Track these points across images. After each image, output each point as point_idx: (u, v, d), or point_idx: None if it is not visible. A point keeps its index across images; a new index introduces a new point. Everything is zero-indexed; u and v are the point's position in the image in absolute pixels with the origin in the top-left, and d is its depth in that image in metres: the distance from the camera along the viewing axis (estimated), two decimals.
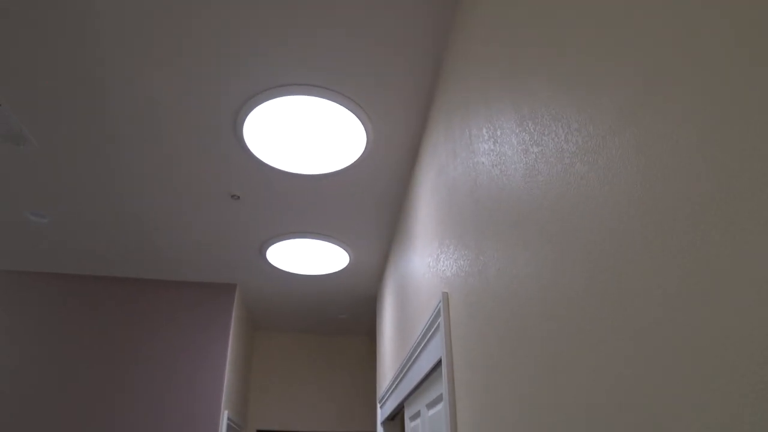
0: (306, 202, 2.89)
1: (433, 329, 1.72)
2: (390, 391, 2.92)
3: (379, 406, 3.54)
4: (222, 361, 3.74)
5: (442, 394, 1.71)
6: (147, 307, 3.95)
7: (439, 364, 1.68)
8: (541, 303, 0.88)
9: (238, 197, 2.85)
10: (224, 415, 3.65)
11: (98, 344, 3.89)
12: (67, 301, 4.04)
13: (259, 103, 2.08)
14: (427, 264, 1.99)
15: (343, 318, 4.68)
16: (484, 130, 1.28)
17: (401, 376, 2.46)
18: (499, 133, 1.17)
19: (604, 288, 0.68)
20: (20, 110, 2.25)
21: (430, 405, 1.92)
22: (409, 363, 2.20)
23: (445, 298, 1.59)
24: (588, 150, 0.74)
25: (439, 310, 1.60)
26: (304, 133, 2.25)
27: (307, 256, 3.48)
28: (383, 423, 3.36)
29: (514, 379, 0.99)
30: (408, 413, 2.43)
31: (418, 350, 1.98)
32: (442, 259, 1.72)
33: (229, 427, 3.86)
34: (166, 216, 3.10)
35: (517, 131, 1.04)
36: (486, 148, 1.26)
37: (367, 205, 2.91)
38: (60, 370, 3.84)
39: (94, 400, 3.74)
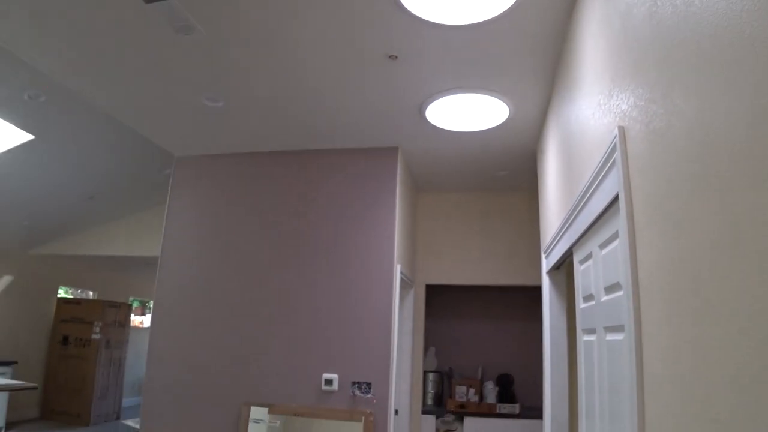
0: (463, 56, 2.84)
1: (607, 166, 1.68)
2: (556, 240, 2.95)
3: (544, 256, 3.60)
4: (391, 222, 3.98)
5: (617, 232, 1.69)
6: (316, 177, 4.25)
7: (614, 201, 1.66)
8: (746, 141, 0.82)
9: (396, 57, 2.87)
10: (397, 269, 3.93)
11: (274, 215, 4.30)
12: (243, 179, 4.46)
13: None
14: (596, 103, 1.91)
15: (503, 175, 4.70)
16: None
17: (569, 222, 2.47)
18: None
19: None
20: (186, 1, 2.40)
21: (604, 244, 1.92)
22: (579, 207, 2.19)
23: (621, 132, 1.53)
24: None
25: (615, 144, 1.55)
26: None
27: (466, 113, 3.48)
28: (549, 272, 3.43)
29: (703, 211, 0.96)
30: (577, 257, 2.45)
31: (590, 192, 1.96)
32: (615, 93, 1.64)
33: (402, 281, 4.17)
34: (329, 83, 3.22)
35: None
36: None
37: (525, 52, 2.79)
38: (240, 244, 4.33)
39: (274, 267, 4.20)
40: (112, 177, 6.08)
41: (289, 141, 4.21)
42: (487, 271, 5.04)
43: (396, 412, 4.10)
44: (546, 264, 3.50)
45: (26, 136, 4.96)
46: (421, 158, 4.37)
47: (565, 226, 2.59)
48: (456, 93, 3.24)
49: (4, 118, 4.63)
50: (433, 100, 3.33)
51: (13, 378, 6.33)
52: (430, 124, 3.67)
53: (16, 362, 7.29)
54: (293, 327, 4.05)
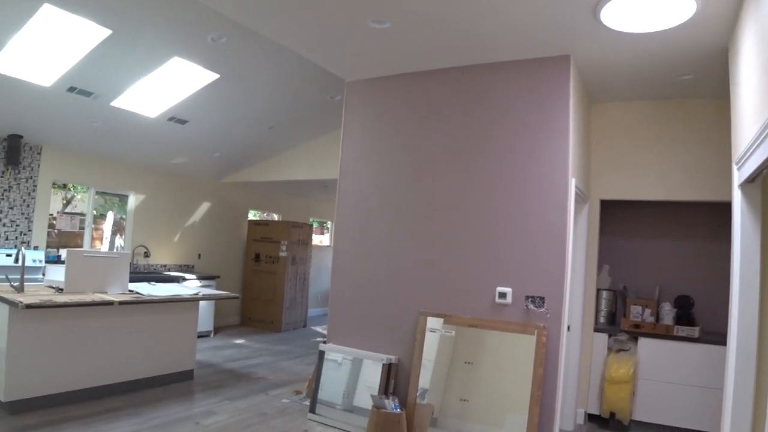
0: None
1: None
2: (752, 149, 2.68)
3: (735, 168, 3.28)
4: (564, 134, 3.85)
5: None
6: (484, 91, 4.21)
7: None
8: None
9: None
10: (572, 183, 3.84)
11: (445, 132, 4.34)
12: (411, 98, 4.54)
13: None
14: None
15: (686, 79, 4.29)
16: None
17: None
18: None
19: None
20: None
21: None
22: None
23: None
24: None
25: None
26: None
27: (645, 11, 3.20)
28: (741, 186, 3.14)
29: None
30: None
31: None
32: None
33: (576, 195, 4.07)
34: None
35: None
36: None
37: None
38: (412, 161, 4.45)
39: (447, 182, 4.28)
40: (289, 107, 6.49)
41: (455, 57, 4.18)
42: (667, 186, 4.72)
43: (568, 328, 4.11)
44: (738, 177, 3.19)
45: (212, 76, 5.44)
46: (595, 66, 4.12)
47: (765, 132, 2.35)
48: None
49: (192, 61, 5.11)
50: (609, 0, 3.10)
51: (216, 290, 7.25)
52: (606, 26, 3.43)
53: (218, 277, 8.32)
54: (468, 241, 4.17)
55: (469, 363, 3.97)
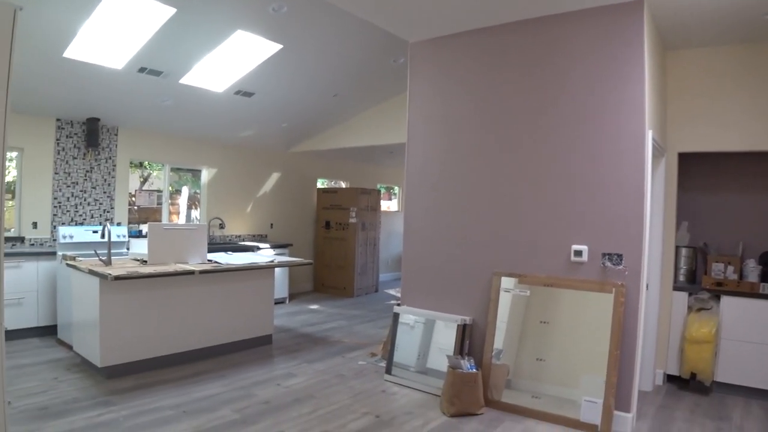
0: None
1: None
2: None
3: None
4: (639, 84, 3.67)
5: None
6: (554, 42, 4.06)
7: None
8: None
9: None
10: (648, 136, 3.67)
11: (514, 87, 4.23)
12: (477, 54, 4.43)
13: None
14: None
15: None
16: None
17: None
18: None
19: None
20: None
21: None
22: None
23: None
24: None
25: None
26: None
27: None
28: None
29: None
30: None
31: None
32: None
33: (653, 148, 3.89)
34: None
35: None
36: None
37: None
38: (481, 120, 4.37)
39: (518, 139, 4.19)
40: (353, 73, 6.48)
41: (521, 9, 4.04)
42: (750, 136, 4.43)
43: (646, 287, 3.98)
44: None
45: (275, 47, 5.48)
46: (670, 9, 3.87)
47: None
48: None
49: (255, 33, 5.15)
50: None
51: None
52: None
53: (291, 245, 8.52)
54: (541, 198, 4.09)
55: (544, 322, 3.93)
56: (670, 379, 4.76)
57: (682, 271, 4.98)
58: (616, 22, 3.79)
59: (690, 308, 4.71)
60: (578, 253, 3.87)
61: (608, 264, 3.76)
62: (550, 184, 4.05)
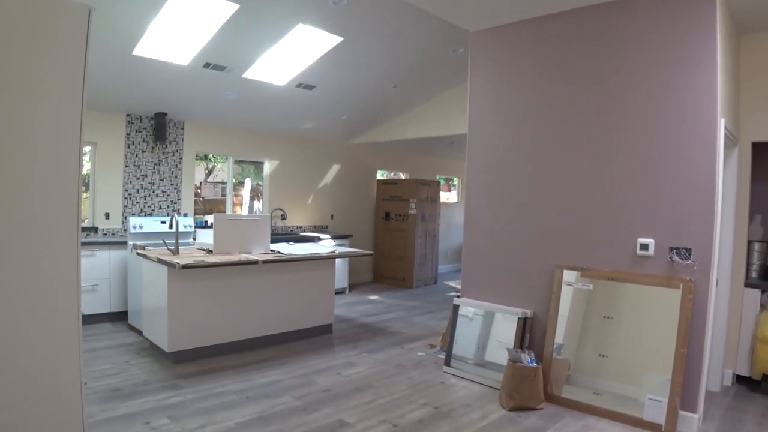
0: None
1: None
2: None
3: None
4: (711, 70, 3.50)
5: None
6: (618, 30, 3.92)
7: None
8: None
9: None
10: (721, 124, 3.50)
11: (577, 75, 4.12)
12: (538, 43, 4.33)
13: None
14: None
15: None
16: None
17: None
18: None
19: None
20: None
21: None
22: None
23: None
24: None
25: None
26: None
27: None
28: None
29: None
30: None
31: None
32: None
33: (725, 137, 3.71)
34: None
35: None
36: None
37: None
38: (544, 110, 4.28)
39: (582, 129, 4.08)
40: (412, 64, 6.46)
41: None
42: None
43: (716, 282, 3.81)
44: None
45: (336, 39, 5.52)
46: None
47: None
48: None
49: (315, 26, 5.21)
50: None
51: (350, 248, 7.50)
52: None
53: (351, 236, 8.61)
54: (606, 189, 3.97)
55: (607, 317, 3.84)
56: (739, 380, 4.55)
57: (754, 267, 4.74)
58: (685, 5, 3.62)
59: (763, 306, 4.48)
60: (644, 246, 3.75)
61: (676, 258, 3.62)
62: (614, 175, 3.93)
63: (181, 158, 6.89)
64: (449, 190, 12.27)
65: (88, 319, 5.51)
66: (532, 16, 4.38)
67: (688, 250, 3.58)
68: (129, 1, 4.33)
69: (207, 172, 8.76)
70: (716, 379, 4.37)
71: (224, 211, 7.80)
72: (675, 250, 3.63)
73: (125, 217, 6.37)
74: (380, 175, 10.16)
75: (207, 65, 5.54)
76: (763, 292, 4.51)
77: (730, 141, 4.14)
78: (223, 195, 7.98)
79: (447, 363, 4.57)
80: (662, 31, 3.72)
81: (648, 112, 3.78)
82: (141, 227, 6.02)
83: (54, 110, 2.25)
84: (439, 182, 10.16)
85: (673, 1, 3.67)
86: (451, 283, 9.55)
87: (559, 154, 4.23)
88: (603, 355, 3.79)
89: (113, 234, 6.31)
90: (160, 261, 4.52)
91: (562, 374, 3.94)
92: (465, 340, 4.51)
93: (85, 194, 6.23)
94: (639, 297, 3.73)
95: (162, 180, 6.71)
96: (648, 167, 3.76)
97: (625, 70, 3.89)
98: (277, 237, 7.09)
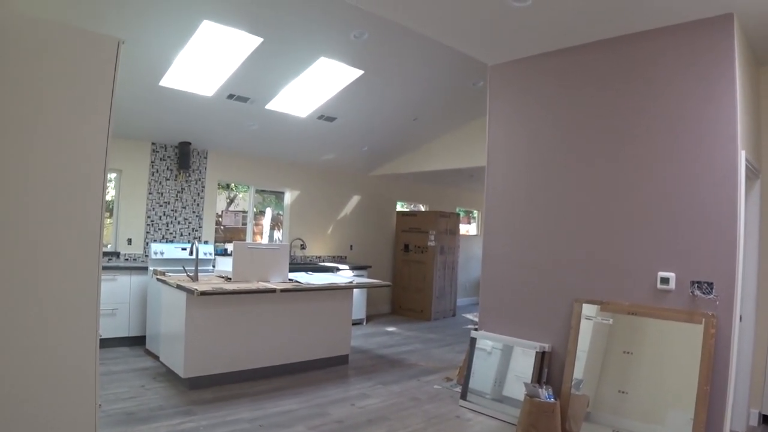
0: None
1: None
2: None
3: None
4: (731, 102, 3.48)
5: None
6: (635, 63, 3.93)
7: None
8: None
9: None
10: (741, 156, 3.47)
11: (595, 109, 4.13)
12: (557, 77, 4.36)
13: None
14: None
15: None
16: None
17: None
18: None
19: None
20: None
21: None
22: None
23: None
24: None
25: None
26: None
27: None
28: None
29: None
30: None
31: None
32: None
33: (747, 169, 3.68)
34: None
35: None
36: None
37: None
38: (563, 143, 4.28)
39: (601, 162, 4.07)
40: (432, 97, 6.53)
41: (602, 28, 3.95)
42: None
43: (740, 318, 3.73)
44: None
45: (357, 72, 5.62)
46: (763, 23, 3.67)
47: None
48: None
49: (337, 59, 5.31)
50: None
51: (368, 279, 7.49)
52: None
53: (370, 266, 8.61)
54: (625, 223, 3.93)
55: (627, 353, 3.76)
56: (765, 420, 4.41)
57: None
58: (703, 38, 3.63)
59: None
60: (665, 280, 3.69)
61: (698, 293, 3.56)
62: (634, 208, 3.89)
63: (204, 187, 7.00)
64: (469, 223, 12.26)
65: (107, 343, 5.55)
66: (550, 49, 4.42)
67: (710, 284, 3.52)
68: (157, 33, 4.47)
69: (228, 201, 8.88)
70: (741, 419, 4.23)
71: (244, 240, 7.87)
72: (696, 284, 3.57)
73: (147, 243, 6.45)
74: (400, 207, 10.20)
75: (231, 96, 5.66)
76: None
77: (752, 173, 4.09)
78: (244, 224, 8.06)
79: (463, 397, 4.50)
80: (681, 64, 3.72)
81: (668, 144, 3.76)
82: (162, 253, 6.09)
83: (82, 138, 2.32)
84: (459, 215, 10.15)
85: (691, 35, 3.68)
86: (469, 316, 9.43)
87: (577, 187, 4.22)
88: (623, 392, 3.71)
89: (135, 259, 6.39)
90: (179, 287, 4.56)
91: (581, 411, 3.85)
92: (482, 374, 4.45)
93: (108, 219, 6.34)
94: (660, 332, 3.66)
95: (184, 207, 6.81)
96: (668, 200, 3.73)
97: (644, 103, 3.89)
98: (295, 266, 7.11)
